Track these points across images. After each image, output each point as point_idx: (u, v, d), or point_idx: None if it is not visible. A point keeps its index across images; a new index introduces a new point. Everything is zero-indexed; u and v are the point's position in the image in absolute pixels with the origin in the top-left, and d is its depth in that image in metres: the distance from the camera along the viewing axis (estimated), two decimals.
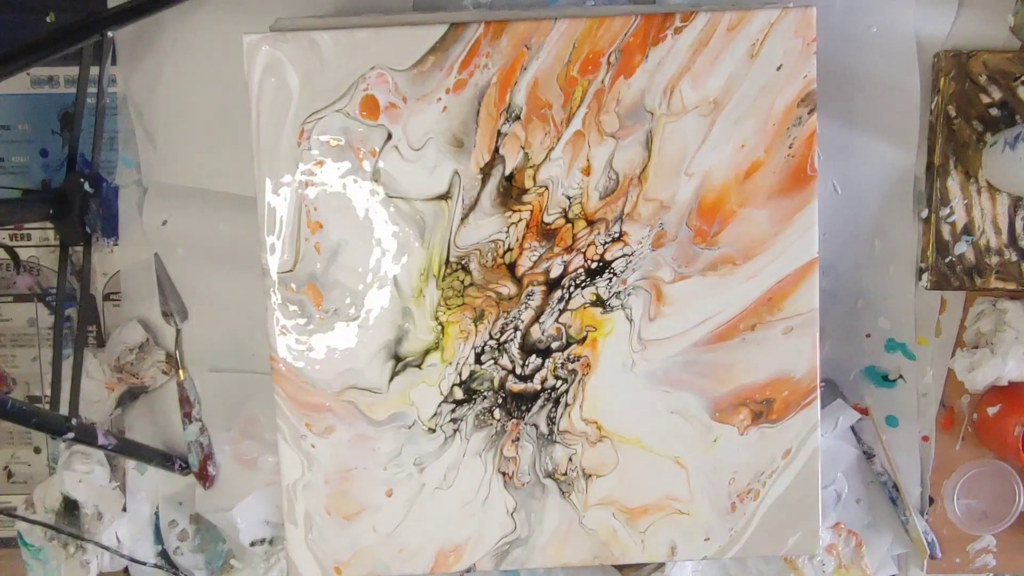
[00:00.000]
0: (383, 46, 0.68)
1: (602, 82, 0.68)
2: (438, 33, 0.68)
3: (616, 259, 0.71)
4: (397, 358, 0.72)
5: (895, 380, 0.85)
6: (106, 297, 0.87)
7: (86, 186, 0.82)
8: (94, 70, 0.80)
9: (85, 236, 0.83)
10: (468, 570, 0.75)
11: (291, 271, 0.71)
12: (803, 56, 0.68)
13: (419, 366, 0.72)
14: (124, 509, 0.86)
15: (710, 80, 0.69)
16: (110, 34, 0.79)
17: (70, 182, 0.82)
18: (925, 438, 0.86)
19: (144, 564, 0.87)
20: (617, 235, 0.70)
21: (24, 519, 0.82)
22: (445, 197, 0.70)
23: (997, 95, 0.79)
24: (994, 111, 0.79)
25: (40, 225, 0.86)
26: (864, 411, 0.85)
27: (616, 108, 0.69)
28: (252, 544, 0.86)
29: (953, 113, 0.79)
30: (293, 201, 0.70)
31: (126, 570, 0.89)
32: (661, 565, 0.82)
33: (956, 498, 0.84)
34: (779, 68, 0.69)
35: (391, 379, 0.72)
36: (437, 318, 0.71)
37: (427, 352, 0.72)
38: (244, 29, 0.68)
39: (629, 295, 0.71)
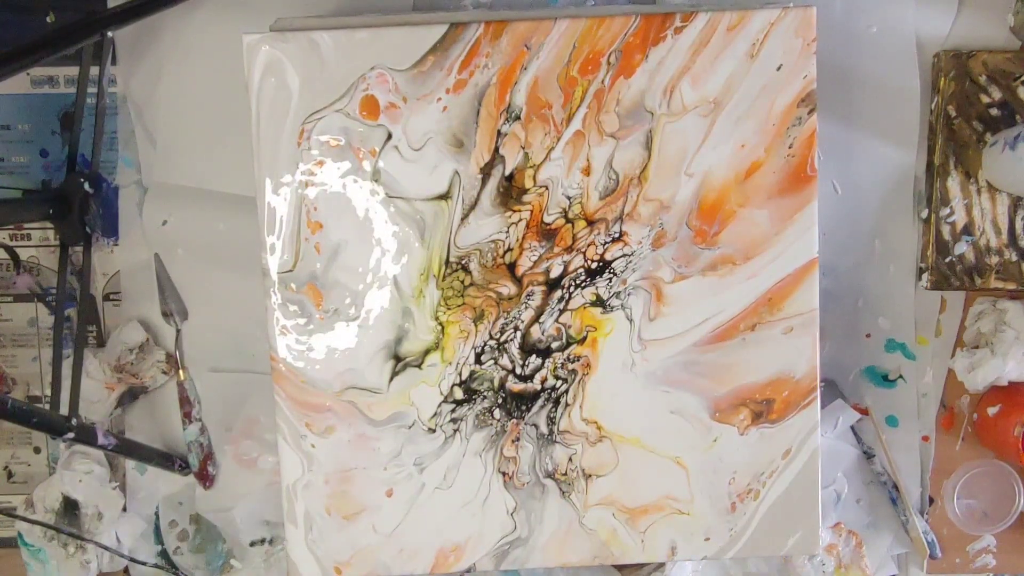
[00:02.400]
0: (383, 46, 0.68)
1: (602, 82, 0.68)
2: (438, 33, 0.68)
3: (616, 259, 0.71)
4: (397, 358, 0.72)
5: (895, 380, 0.85)
6: (106, 297, 0.87)
7: (86, 186, 0.82)
8: (94, 70, 0.80)
9: (85, 236, 0.83)
10: (468, 570, 0.75)
11: (291, 271, 0.71)
12: (803, 56, 0.68)
13: (419, 366, 0.72)
14: (124, 509, 0.86)
15: (710, 80, 0.69)
16: (110, 34, 0.79)
17: (70, 182, 0.82)
18: (925, 438, 0.86)
19: (144, 564, 0.87)
20: (617, 235, 0.70)
21: (24, 519, 0.82)
22: (445, 197, 0.70)
23: (997, 95, 0.79)
24: (994, 111, 0.79)
25: (40, 225, 0.86)
26: (864, 411, 0.85)
27: (616, 108, 0.69)
28: (252, 544, 0.86)
29: (953, 113, 0.79)
30: (293, 201, 0.70)
31: (126, 570, 0.89)
32: (661, 565, 0.82)
33: (956, 498, 0.84)
34: (779, 68, 0.69)
35: (391, 379, 0.72)
36: (437, 318, 0.71)
37: (427, 352, 0.72)
38: (244, 29, 0.68)
39: (629, 295, 0.71)
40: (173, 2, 0.77)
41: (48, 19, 0.83)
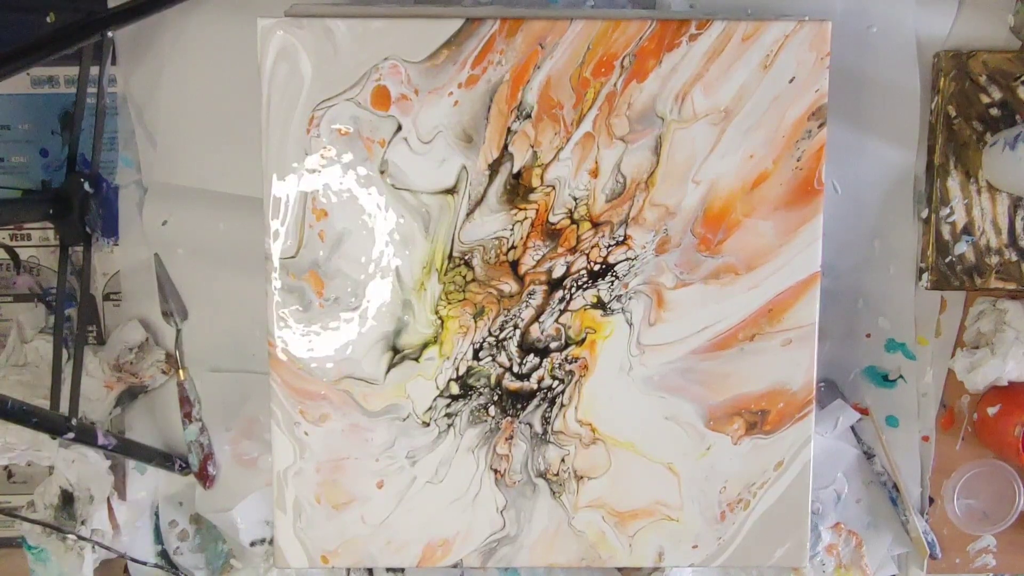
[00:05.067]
0: (398, 37, 0.68)
1: (614, 85, 0.69)
2: (454, 27, 0.68)
3: (619, 262, 0.71)
4: (395, 350, 0.72)
5: (895, 380, 0.85)
6: (106, 297, 0.87)
7: (86, 186, 0.82)
8: (94, 70, 0.80)
9: (85, 236, 0.83)
10: (455, 565, 0.75)
11: (293, 257, 0.70)
12: (816, 70, 0.68)
13: (416, 359, 0.72)
14: (123, 498, 0.86)
15: (722, 89, 0.69)
16: (110, 34, 0.79)
17: (70, 182, 0.81)
18: (925, 438, 0.86)
19: (144, 564, 0.87)
20: (621, 239, 0.71)
21: (23, 518, 0.82)
22: (451, 191, 0.70)
23: (997, 95, 0.79)
24: (994, 111, 0.79)
25: (40, 225, 0.86)
26: (864, 411, 0.85)
27: (627, 112, 0.69)
28: (252, 544, 0.85)
29: (953, 113, 0.79)
30: (299, 187, 0.70)
31: (125, 569, 0.89)
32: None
33: (956, 498, 0.85)
34: (791, 80, 0.69)
35: (388, 371, 0.72)
36: (437, 312, 0.71)
37: (425, 345, 0.72)
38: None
39: (630, 299, 0.71)
40: (173, 2, 0.77)
41: (48, 19, 0.82)
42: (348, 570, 0.85)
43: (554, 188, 0.70)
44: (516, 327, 0.72)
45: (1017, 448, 0.80)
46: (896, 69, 0.81)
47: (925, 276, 0.81)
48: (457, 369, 0.72)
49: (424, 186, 0.70)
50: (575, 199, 0.70)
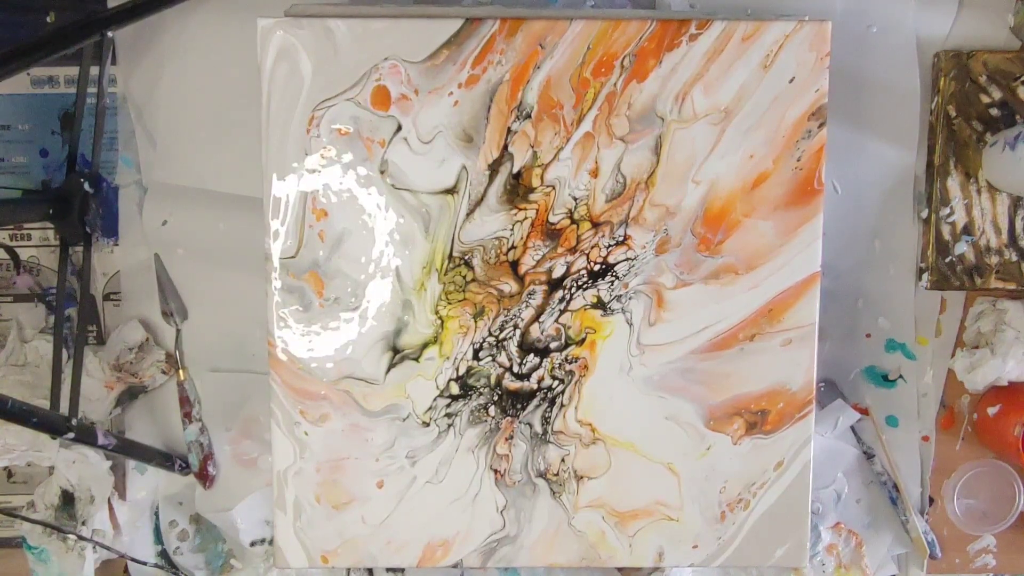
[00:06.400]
0: (398, 37, 0.68)
1: (614, 85, 0.69)
2: (454, 27, 0.68)
3: (619, 262, 0.71)
4: (395, 350, 0.72)
5: (895, 380, 0.85)
6: (106, 297, 0.87)
7: (86, 186, 0.82)
8: (94, 70, 0.80)
9: (85, 236, 0.83)
10: (455, 565, 0.75)
11: (293, 257, 0.70)
12: (816, 70, 0.68)
13: (416, 359, 0.72)
14: (123, 498, 0.86)
15: (722, 89, 0.69)
16: (110, 34, 0.79)
17: (70, 182, 0.81)
18: (925, 438, 0.86)
19: (144, 564, 0.87)
20: (621, 239, 0.71)
21: (23, 518, 0.82)
22: (451, 191, 0.70)
23: (997, 95, 0.79)
24: (994, 111, 0.79)
25: (40, 225, 0.86)
26: (864, 411, 0.86)
27: (627, 112, 0.69)
28: (252, 544, 0.85)
29: (953, 113, 0.79)
30: (299, 187, 0.70)
31: (126, 569, 0.89)
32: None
33: (956, 498, 0.85)
34: (791, 80, 0.69)
35: (388, 371, 0.72)
36: (437, 312, 0.71)
37: (425, 345, 0.72)
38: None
39: (630, 299, 0.71)
40: (173, 2, 0.77)
41: (48, 19, 0.82)
42: (348, 570, 0.85)
43: (554, 188, 0.70)
44: (516, 327, 0.72)
45: (1017, 448, 0.80)
46: (896, 69, 0.81)
47: (925, 276, 0.81)
48: (457, 369, 0.72)
49: (424, 186, 0.70)
50: (575, 199, 0.70)
